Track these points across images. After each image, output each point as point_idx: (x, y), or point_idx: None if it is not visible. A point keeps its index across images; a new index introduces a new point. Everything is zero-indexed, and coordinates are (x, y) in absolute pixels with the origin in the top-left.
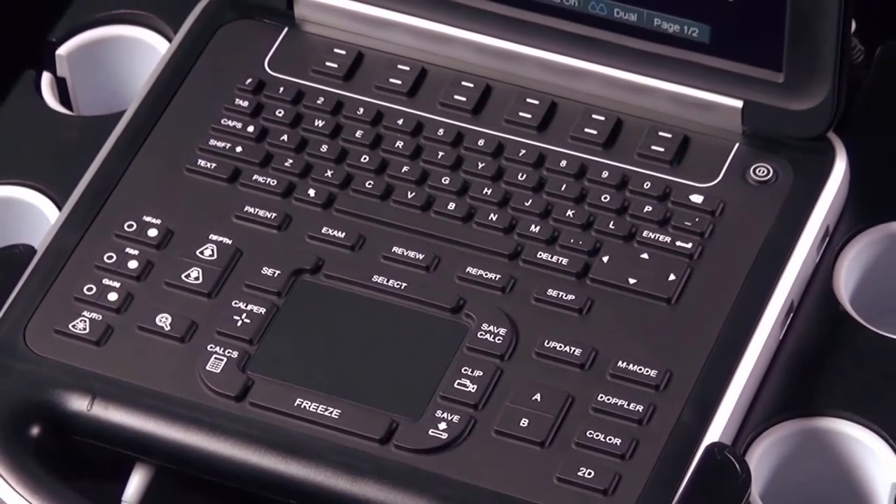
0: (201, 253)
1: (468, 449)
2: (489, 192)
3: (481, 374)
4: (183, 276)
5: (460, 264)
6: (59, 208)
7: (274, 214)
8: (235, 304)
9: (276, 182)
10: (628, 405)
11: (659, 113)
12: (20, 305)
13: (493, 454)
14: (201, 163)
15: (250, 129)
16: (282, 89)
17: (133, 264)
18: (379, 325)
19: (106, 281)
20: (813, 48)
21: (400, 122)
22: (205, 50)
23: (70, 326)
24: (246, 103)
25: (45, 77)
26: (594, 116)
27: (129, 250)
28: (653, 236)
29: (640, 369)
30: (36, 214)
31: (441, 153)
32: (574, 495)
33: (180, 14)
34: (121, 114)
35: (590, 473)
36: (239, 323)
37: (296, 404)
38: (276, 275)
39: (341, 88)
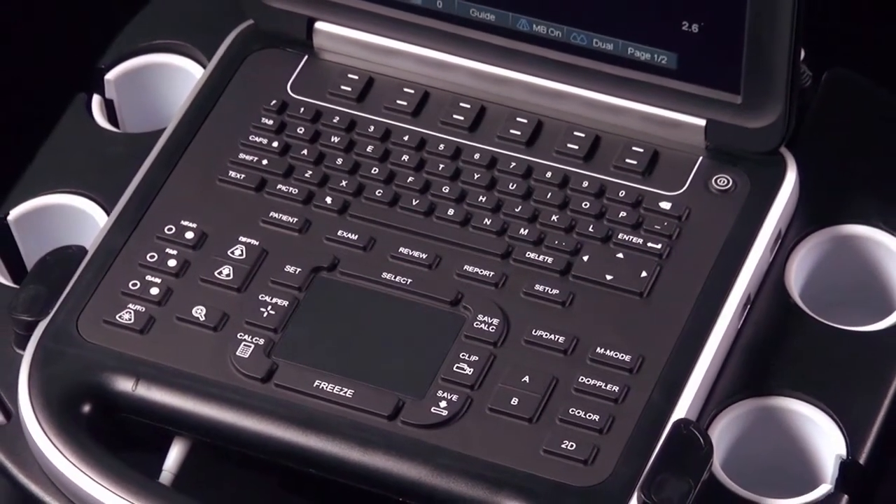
0: (232, 253)
1: (465, 424)
2: (484, 199)
3: (477, 359)
4: (216, 273)
5: (458, 263)
6: (108, 214)
7: (295, 219)
8: (262, 297)
9: (297, 191)
10: (605, 386)
11: (632, 130)
12: (73, 298)
13: (487, 429)
14: (232, 174)
15: (275, 144)
16: (302, 109)
17: (172, 263)
18: (387, 315)
19: (149, 277)
20: (767, 73)
21: (405, 138)
22: (235, 75)
23: (117, 317)
24: (271, 122)
25: (95, 99)
26: (575, 133)
27: (169, 250)
28: (627, 238)
29: (616, 354)
30: (87, 219)
31: (441, 165)
32: (558, 465)
33: (213, 44)
34: (161, 131)
35: (572, 446)
36: (265, 314)
37: (314, 385)
38: (297, 272)
39: (354, 109)
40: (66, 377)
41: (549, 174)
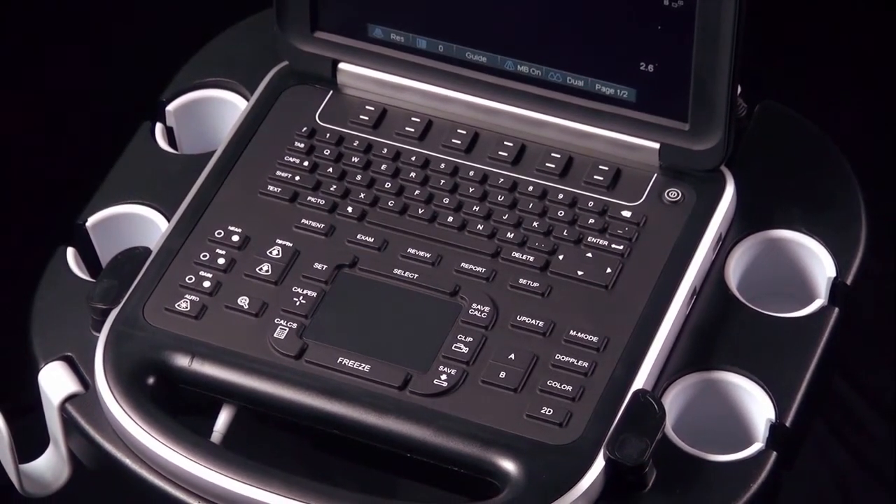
0: (270, 253)
1: (462, 393)
2: (477, 209)
3: (471, 339)
4: (257, 270)
5: (456, 261)
6: (168, 221)
7: (322, 225)
8: (295, 289)
9: (324, 202)
10: (577, 362)
11: (599, 152)
12: (140, 290)
13: (480, 397)
14: (270, 188)
15: (305, 163)
16: (328, 135)
17: (221, 261)
18: (398, 304)
19: (202, 273)
20: (710, 105)
21: (413, 158)
22: (272, 107)
23: (176, 305)
24: (302, 145)
25: (158, 126)
26: (553, 154)
27: (219, 251)
28: (595, 241)
29: (586, 336)
30: (151, 225)
31: (442, 181)
32: (538, 427)
33: (255, 81)
34: (212, 153)
35: (549, 411)
36: (297, 303)
37: (338, 361)
38: (324, 269)
39: (371, 134)
40: (134, 355)
41: (530, 188)
